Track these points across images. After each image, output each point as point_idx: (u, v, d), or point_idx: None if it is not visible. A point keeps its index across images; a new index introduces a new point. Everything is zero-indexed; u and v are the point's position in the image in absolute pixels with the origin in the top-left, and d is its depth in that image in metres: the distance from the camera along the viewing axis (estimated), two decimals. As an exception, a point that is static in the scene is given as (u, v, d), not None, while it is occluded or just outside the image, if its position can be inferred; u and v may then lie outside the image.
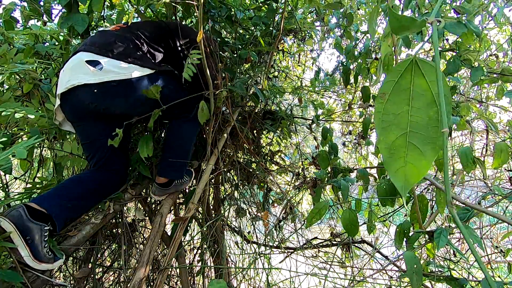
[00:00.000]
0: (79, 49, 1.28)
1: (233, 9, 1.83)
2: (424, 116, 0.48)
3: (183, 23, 2.04)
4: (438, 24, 0.44)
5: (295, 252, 2.10)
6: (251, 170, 2.09)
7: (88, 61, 1.21)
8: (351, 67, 2.15)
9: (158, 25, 1.51)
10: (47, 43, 1.67)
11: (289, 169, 2.36)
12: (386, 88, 0.50)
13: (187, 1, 1.39)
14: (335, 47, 2.21)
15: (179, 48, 1.50)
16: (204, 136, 1.73)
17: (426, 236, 1.18)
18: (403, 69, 0.49)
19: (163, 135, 1.89)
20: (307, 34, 2.50)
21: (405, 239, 1.30)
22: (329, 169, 1.72)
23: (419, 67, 0.48)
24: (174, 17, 1.78)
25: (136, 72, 1.24)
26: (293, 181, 2.25)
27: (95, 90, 1.20)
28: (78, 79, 1.19)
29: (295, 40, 2.79)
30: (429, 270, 1.23)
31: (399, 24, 0.45)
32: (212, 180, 2.15)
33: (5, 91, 1.42)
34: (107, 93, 1.22)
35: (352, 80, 2.15)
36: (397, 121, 0.49)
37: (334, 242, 2.20)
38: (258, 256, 1.86)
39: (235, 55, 1.79)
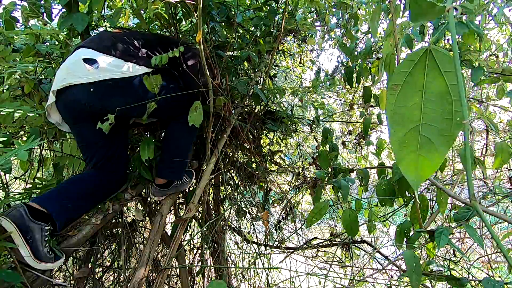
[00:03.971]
0: (79, 46, 1.28)
1: (233, 10, 1.82)
2: (438, 107, 0.46)
3: (183, 23, 2.04)
4: (455, 11, 0.43)
5: (295, 252, 2.10)
6: (251, 170, 2.09)
7: (85, 59, 1.20)
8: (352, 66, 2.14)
9: (157, 34, 1.63)
10: (47, 43, 1.67)
11: (289, 169, 2.36)
12: (398, 79, 0.47)
13: (187, 1, 1.38)
14: (340, 49, 2.19)
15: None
16: (204, 136, 1.73)
17: (427, 236, 1.18)
18: (416, 59, 0.46)
19: (163, 135, 1.88)
20: (307, 34, 2.49)
21: (405, 239, 1.30)
22: (329, 169, 1.72)
23: (433, 57, 0.45)
24: (172, 19, 1.77)
25: (132, 70, 1.24)
26: (293, 181, 2.25)
27: (92, 90, 1.20)
28: (75, 78, 1.18)
29: (295, 40, 2.79)
30: (429, 270, 1.23)
31: (419, 10, 0.44)
32: (212, 180, 2.15)
33: (4, 90, 1.42)
34: (103, 92, 1.22)
35: (354, 80, 2.13)
36: (410, 113, 0.47)
37: (334, 242, 2.20)
38: (258, 256, 1.86)
39: (236, 54, 1.79)
